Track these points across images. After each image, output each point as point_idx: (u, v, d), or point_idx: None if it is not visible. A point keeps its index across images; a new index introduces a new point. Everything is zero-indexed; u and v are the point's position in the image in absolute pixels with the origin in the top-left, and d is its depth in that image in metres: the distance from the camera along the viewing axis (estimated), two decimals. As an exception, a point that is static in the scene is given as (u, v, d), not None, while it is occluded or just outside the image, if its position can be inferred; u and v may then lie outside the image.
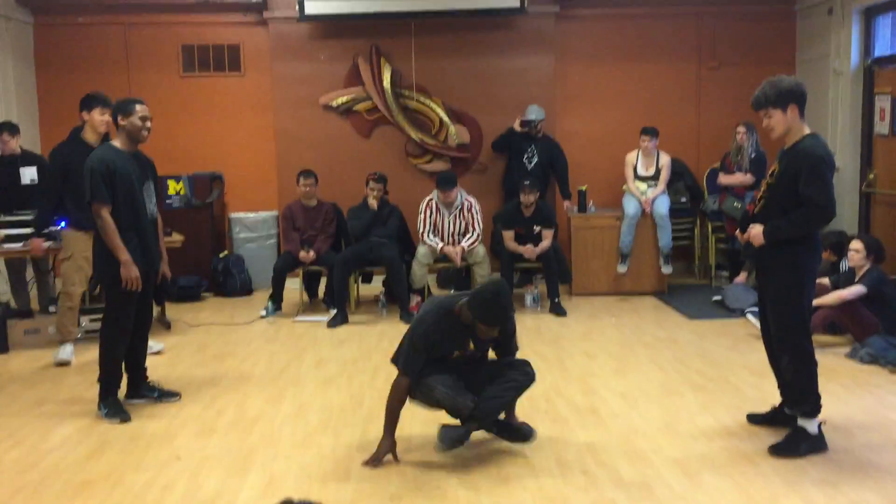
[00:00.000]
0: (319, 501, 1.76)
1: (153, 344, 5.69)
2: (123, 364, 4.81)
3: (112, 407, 4.63)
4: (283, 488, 3.67)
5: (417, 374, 3.88)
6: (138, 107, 4.62)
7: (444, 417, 4.05)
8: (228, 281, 8.12)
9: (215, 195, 8.30)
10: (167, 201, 8.13)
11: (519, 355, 4.21)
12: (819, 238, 4.05)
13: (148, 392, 4.92)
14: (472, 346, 4.03)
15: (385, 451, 3.91)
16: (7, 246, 6.26)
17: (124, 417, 4.59)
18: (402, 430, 4.32)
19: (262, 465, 3.93)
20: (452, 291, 7.58)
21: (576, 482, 3.68)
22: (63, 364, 5.72)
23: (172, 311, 7.03)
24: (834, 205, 3.87)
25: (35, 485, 3.76)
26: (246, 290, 8.20)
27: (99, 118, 5.52)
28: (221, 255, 8.25)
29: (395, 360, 3.99)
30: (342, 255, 7.19)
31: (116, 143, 4.68)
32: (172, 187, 8.15)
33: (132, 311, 4.69)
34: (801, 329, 3.95)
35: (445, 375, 3.94)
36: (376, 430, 4.33)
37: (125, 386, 4.87)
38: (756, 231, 3.98)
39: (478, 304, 3.78)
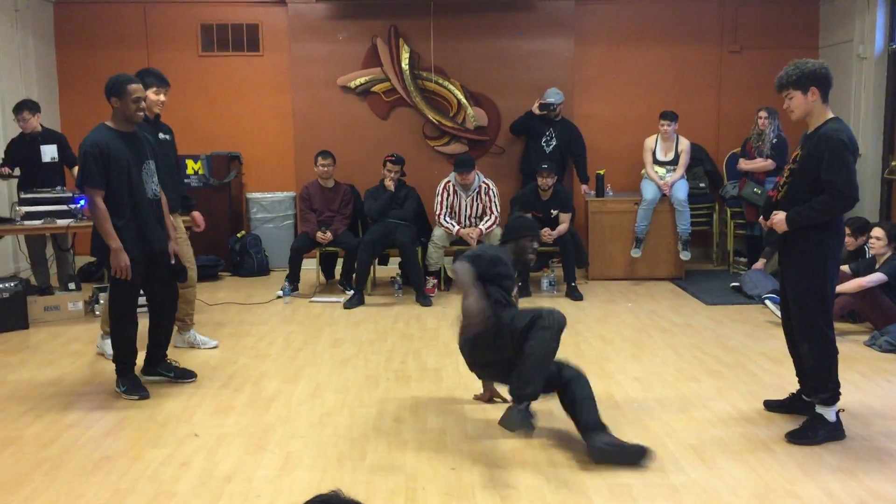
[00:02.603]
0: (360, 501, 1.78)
1: (207, 339, 5.67)
2: (148, 339, 4.83)
3: (130, 383, 4.66)
4: (299, 467, 3.69)
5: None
6: (130, 87, 4.45)
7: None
8: (246, 261, 8.16)
9: (233, 175, 8.33)
10: (185, 181, 8.15)
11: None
12: (842, 224, 4.01)
13: (164, 371, 4.91)
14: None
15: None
16: (28, 223, 6.30)
17: (143, 394, 4.61)
18: (416, 413, 4.35)
19: (278, 444, 3.95)
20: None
21: (590, 466, 3.68)
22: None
23: (190, 290, 7.06)
24: (857, 190, 3.83)
25: (54, 459, 3.80)
26: (263, 270, 8.24)
27: (154, 98, 5.20)
28: (239, 236, 8.29)
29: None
30: (368, 238, 7.19)
31: (111, 123, 4.53)
32: (190, 167, 8.18)
33: (134, 294, 4.64)
34: (822, 316, 3.91)
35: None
36: (392, 409, 4.37)
37: (142, 361, 4.87)
38: (779, 218, 3.94)
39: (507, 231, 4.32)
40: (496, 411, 4.36)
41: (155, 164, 4.69)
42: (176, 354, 5.22)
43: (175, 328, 5.31)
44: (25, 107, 6.66)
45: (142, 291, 4.75)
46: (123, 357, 4.69)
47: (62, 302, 6.44)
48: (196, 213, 5.75)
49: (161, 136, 5.27)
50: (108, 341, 5.44)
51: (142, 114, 4.56)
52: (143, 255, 4.56)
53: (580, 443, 3.93)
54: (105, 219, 4.40)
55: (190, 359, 5.28)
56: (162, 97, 5.24)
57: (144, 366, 4.91)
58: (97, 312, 6.38)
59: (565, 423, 4.21)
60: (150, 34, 8.49)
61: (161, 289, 4.82)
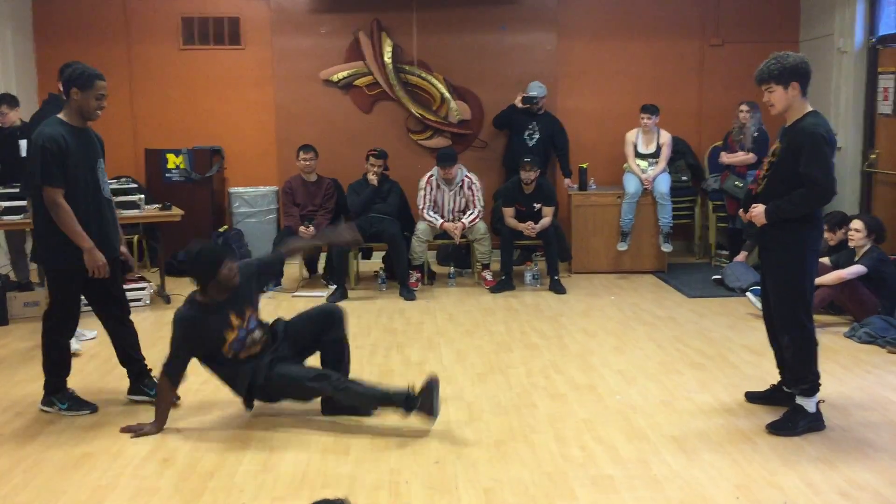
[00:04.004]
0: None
1: (86, 332, 5.46)
2: (120, 355, 4.54)
3: (70, 400, 4.33)
4: (282, 462, 3.68)
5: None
6: (99, 83, 4.10)
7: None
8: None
9: (215, 169, 8.27)
10: (167, 175, 8.11)
11: (519, 335, 4.19)
12: (821, 216, 4.05)
13: (149, 389, 4.47)
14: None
15: None
16: (6, 218, 6.24)
17: (92, 408, 4.33)
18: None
19: (260, 440, 3.94)
20: (453, 268, 7.59)
21: (574, 458, 3.70)
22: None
23: (172, 285, 7.02)
24: (835, 183, 3.86)
25: (35, 456, 3.77)
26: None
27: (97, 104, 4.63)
28: (221, 230, 8.23)
29: None
30: (342, 231, 7.17)
31: (64, 117, 4.16)
32: (172, 161, 8.12)
33: (77, 297, 4.29)
34: (802, 308, 3.95)
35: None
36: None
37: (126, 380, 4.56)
38: (758, 210, 3.97)
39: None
40: (479, 406, 4.38)
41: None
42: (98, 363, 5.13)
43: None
44: (4, 101, 6.59)
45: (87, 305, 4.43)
46: (61, 372, 4.34)
47: (42, 298, 6.38)
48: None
49: None
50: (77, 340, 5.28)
51: (100, 112, 4.20)
52: (107, 258, 4.21)
53: (569, 436, 3.95)
54: (71, 218, 4.03)
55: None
56: (105, 103, 4.91)
57: (131, 385, 4.55)
58: None
59: (552, 424, 4.23)
60: (131, 27, 8.42)
61: (114, 293, 4.45)
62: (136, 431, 4.02)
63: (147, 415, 4.18)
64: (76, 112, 4.16)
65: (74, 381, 4.49)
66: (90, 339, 5.58)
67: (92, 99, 4.12)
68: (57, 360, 4.34)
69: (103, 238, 4.24)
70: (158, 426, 4.05)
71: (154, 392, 4.35)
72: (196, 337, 4.02)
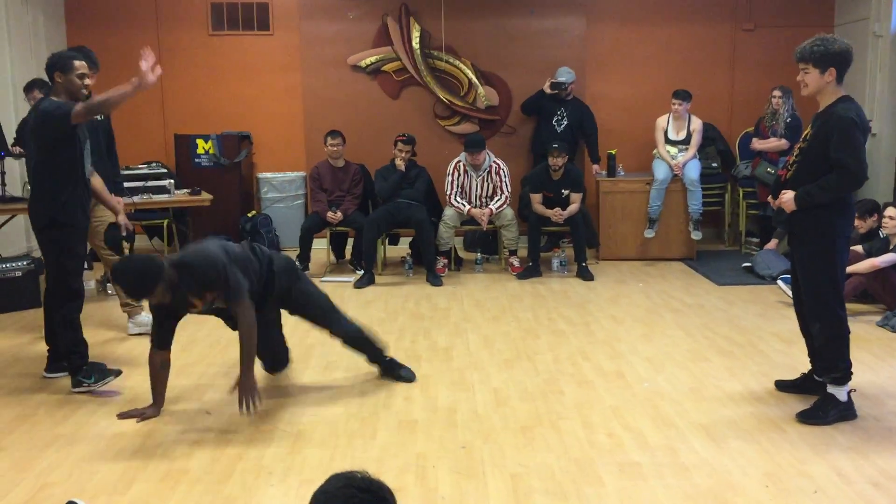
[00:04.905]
0: (381, 481, 1.74)
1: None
2: (46, 335, 4.65)
3: (97, 372, 4.44)
4: (309, 445, 3.71)
5: None
6: (76, 63, 4.35)
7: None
8: (256, 240, 8.14)
9: (243, 155, 8.32)
10: (196, 160, 8.17)
11: (546, 321, 4.19)
12: (852, 203, 3.97)
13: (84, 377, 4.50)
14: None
15: None
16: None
17: (116, 373, 4.49)
18: (426, 392, 4.36)
19: (288, 423, 3.97)
20: (480, 254, 7.58)
21: (601, 445, 3.68)
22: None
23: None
24: (865, 168, 3.79)
25: (67, 436, 3.82)
26: (274, 249, 8.22)
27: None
28: (250, 215, 8.29)
29: None
30: (372, 216, 7.20)
31: (55, 99, 4.35)
32: (201, 146, 8.18)
33: (83, 266, 4.52)
34: (833, 295, 3.89)
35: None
36: (402, 388, 4.38)
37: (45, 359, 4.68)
38: (788, 197, 3.91)
39: None
40: (505, 392, 4.38)
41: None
42: (130, 345, 5.24)
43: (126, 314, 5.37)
44: (36, 86, 6.63)
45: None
46: (76, 347, 4.44)
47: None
48: (120, 199, 5.50)
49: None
50: (139, 318, 5.47)
51: (86, 91, 4.40)
52: (83, 229, 4.48)
53: (596, 423, 3.94)
54: (113, 92, 4.14)
55: (201, 339, 5.30)
56: (87, 80, 4.78)
57: (49, 363, 4.66)
58: (110, 291, 6.41)
59: (580, 410, 4.23)
60: (161, 13, 8.47)
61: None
62: (139, 416, 3.98)
63: (172, 370, 4.22)
64: (65, 94, 4.36)
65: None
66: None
67: (74, 79, 4.34)
68: (72, 338, 4.44)
69: (84, 209, 4.46)
70: (157, 408, 4.05)
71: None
72: (162, 308, 3.96)
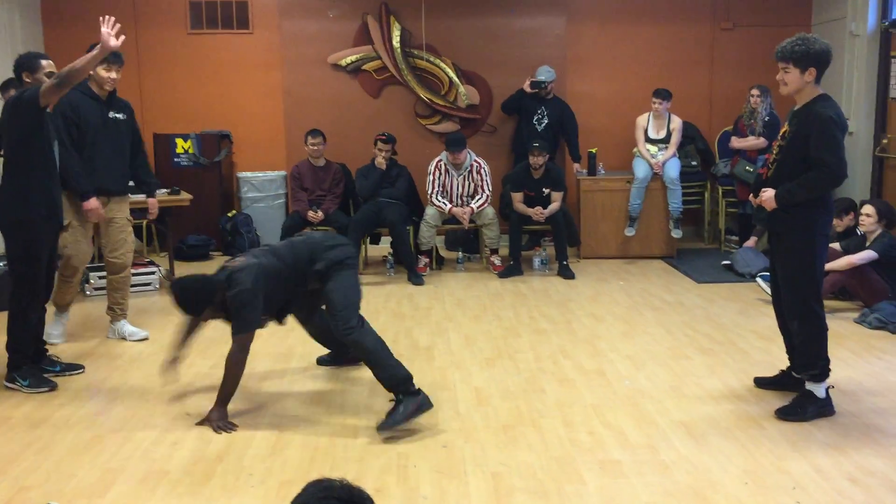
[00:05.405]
0: (361, 488, 1.66)
1: (137, 330, 5.37)
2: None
3: (33, 377, 4.40)
4: (290, 446, 3.69)
5: None
6: (44, 62, 4.40)
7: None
8: (237, 240, 8.12)
9: (223, 154, 8.27)
10: (175, 160, 8.11)
11: (527, 320, 4.19)
12: (831, 201, 4.02)
13: (49, 366, 4.60)
14: None
15: None
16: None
17: (52, 385, 4.39)
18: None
19: (269, 424, 3.95)
20: (461, 253, 7.59)
21: (582, 443, 3.70)
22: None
23: (182, 269, 7.04)
24: (845, 166, 3.83)
25: (46, 439, 3.79)
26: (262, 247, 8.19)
27: (104, 74, 4.99)
28: (230, 215, 8.24)
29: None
30: (356, 218, 7.17)
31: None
32: (180, 146, 8.12)
33: (42, 272, 4.44)
34: (812, 293, 3.93)
35: None
36: (383, 388, 4.36)
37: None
38: (768, 195, 3.94)
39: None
40: (487, 391, 4.38)
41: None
42: (109, 346, 5.20)
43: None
44: (12, 86, 6.55)
45: None
46: (23, 347, 4.43)
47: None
48: (152, 200, 5.56)
49: (112, 114, 5.13)
50: (119, 326, 5.38)
51: (108, 88, 4.46)
52: (54, 226, 4.47)
53: (577, 421, 3.95)
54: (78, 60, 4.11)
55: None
56: (113, 74, 5.00)
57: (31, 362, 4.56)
58: (87, 293, 6.36)
59: (560, 409, 4.23)
60: (139, 12, 8.39)
61: (48, 272, 4.63)
62: (216, 423, 3.88)
63: (151, 370, 4.19)
64: None
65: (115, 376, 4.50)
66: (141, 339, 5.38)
67: (42, 77, 4.34)
68: (21, 337, 4.42)
69: (53, 204, 4.41)
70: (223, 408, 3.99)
71: (52, 368, 4.57)
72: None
